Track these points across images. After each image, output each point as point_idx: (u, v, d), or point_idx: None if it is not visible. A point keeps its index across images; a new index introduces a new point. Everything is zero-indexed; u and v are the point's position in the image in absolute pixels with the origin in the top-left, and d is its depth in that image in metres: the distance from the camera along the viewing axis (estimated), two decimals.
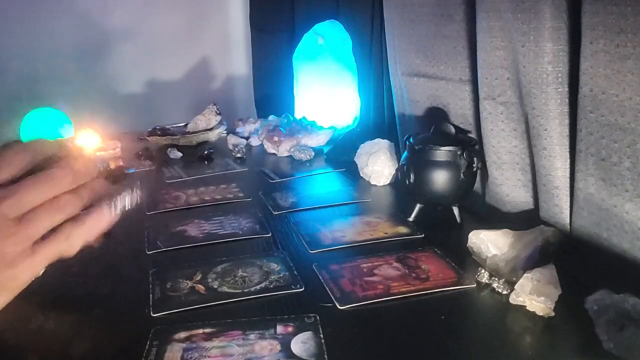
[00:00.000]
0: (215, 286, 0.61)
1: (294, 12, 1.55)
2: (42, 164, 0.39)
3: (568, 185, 0.67)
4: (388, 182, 0.97)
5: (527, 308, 0.54)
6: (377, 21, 1.15)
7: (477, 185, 0.81)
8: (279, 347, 0.49)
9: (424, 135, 0.79)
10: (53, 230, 0.38)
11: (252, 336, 0.51)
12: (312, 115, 1.31)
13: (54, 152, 0.40)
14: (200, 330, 0.52)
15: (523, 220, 0.74)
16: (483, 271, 0.61)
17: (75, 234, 0.38)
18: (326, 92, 1.32)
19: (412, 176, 0.76)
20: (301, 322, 0.53)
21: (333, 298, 0.58)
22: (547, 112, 0.65)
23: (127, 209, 0.42)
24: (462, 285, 0.60)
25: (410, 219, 0.79)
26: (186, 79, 1.77)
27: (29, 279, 0.37)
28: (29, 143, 0.39)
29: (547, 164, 0.67)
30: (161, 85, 1.73)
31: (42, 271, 0.38)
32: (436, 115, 0.88)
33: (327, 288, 0.60)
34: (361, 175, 1.00)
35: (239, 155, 1.20)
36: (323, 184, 1.02)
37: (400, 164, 0.80)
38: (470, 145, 0.75)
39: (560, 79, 0.64)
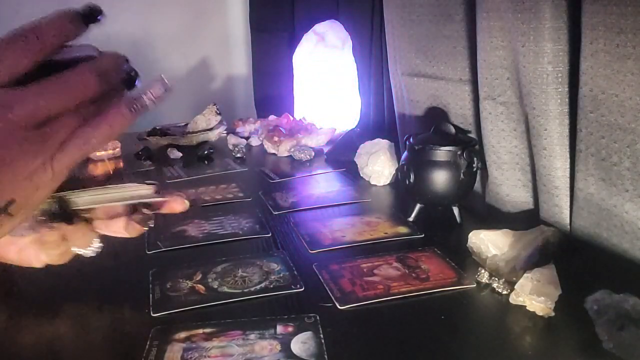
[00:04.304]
0: (215, 286, 0.61)
1: (294, 12, 1.55)
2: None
3: (568, 185, 0.67)
4: (388, 182, 0.96)
5: (527, 308, 0.54)
6: (377, 21, 1.15)
7: (477, 185, 0.81)
8: (279, 347, 0.49)
9: (424, 135, 0.79)
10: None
11: (252, 336, 0.51)
12: (312, 115, 1.31)
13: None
14: (200, 330, 0.52)
15: (523, 220, 0.74)
16: (483, 271, 0.61)
17: (94, 137, 0.35)
18: (326, 92, 1.32)
19: (412, 176, 0.76)
20: (301, 322, 0.53)
21: (333, 298, 0.58)
22: (547, 112, 0.65)
23: (157, 99, 0.37)
24: (462, 285, 0.60)
25: (410, 219, 0.79)
26: (186, 79, 1.77)
27: (48, 194, 0.33)
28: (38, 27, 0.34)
29: (547, 164, 0.67)
30: None
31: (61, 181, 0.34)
32: (436, 115, 0.88)
33: (327, 288, 0.60)
34: (361, 175, 1.00)
35: (239, 155, 1.19)
36: (323, 184, 1.02)
37: (400, 164, 0.80)
38: (470, 145, 0.75)
39: (560, 79, 0.64)
